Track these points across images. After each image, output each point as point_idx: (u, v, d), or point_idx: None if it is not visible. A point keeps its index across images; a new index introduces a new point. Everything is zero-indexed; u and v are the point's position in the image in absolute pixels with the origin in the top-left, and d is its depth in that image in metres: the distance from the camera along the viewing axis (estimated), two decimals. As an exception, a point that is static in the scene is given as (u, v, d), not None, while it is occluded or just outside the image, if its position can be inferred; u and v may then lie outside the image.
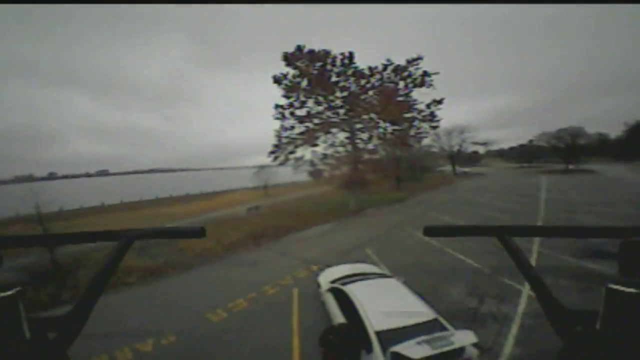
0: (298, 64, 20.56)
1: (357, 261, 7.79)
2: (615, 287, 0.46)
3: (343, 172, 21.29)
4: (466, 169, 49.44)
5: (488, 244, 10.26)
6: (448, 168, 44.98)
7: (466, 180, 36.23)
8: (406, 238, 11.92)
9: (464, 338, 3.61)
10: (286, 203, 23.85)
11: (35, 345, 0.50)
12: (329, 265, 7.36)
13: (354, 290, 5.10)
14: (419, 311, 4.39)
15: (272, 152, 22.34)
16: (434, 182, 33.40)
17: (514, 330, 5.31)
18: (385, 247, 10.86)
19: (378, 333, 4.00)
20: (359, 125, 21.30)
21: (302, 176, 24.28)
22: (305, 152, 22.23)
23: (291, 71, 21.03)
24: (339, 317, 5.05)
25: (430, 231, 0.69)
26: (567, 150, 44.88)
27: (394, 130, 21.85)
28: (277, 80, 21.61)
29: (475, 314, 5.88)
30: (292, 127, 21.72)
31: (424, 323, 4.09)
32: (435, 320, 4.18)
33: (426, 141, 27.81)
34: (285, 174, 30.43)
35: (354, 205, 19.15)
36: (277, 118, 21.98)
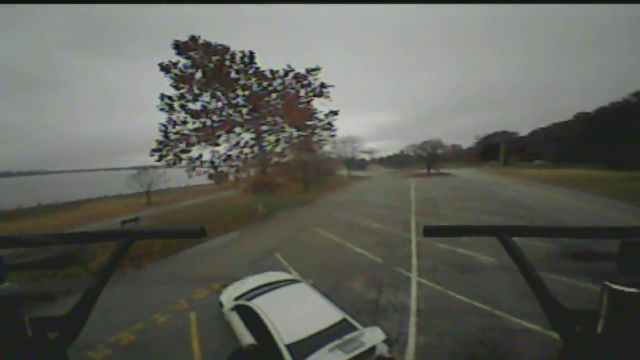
0: (191, 54, 18.17)
1: (266, 269, 7.35)
2: (615, 287, 0.47)
3: (251, 174, 20.18)
4: (357, 173, 57.25)
5: (376, 236, 11.95)
6: (344, 172, 50.62)
7: (358, 182, 41.66)
8: (314, 238, 12.29)
9: (373, 336, 3.74)
10: (179, 212, 20.47)
11: (35, 345, 0.50)
12: (234, 280, 6.60)
13: (259, 304, 4.68)
14: (327, 314, 4.38)
15: (156, 150, 18.67)
16: (335, 184, 36.74)
17: (413, 318, 5.82)
18: (295, 249, 10.83)
19: (289, 346, 3.75)
20: (265, 127, 20.76)
21: (201, 179, 21.48)
22: (203, 152, 19.79)
23: (183, 60, 18.39)
24: (247, 337, 4.52)
25: (429, 231, 0.68)
26: (429, 158, 58.97)
27: (299, 135, 22.52)
28: (164, 68, 18.38)
29: (377, 306, 6.36)
30: (185, 122, 18.89)
31: (334, 325, 4.09)
32: (344, 320, 4.24)
33: (327, 148, 30.24)
34: (179, 177, 26.21)
35: (262, 210, 18.43)
36: (163, 109, 18.64)
